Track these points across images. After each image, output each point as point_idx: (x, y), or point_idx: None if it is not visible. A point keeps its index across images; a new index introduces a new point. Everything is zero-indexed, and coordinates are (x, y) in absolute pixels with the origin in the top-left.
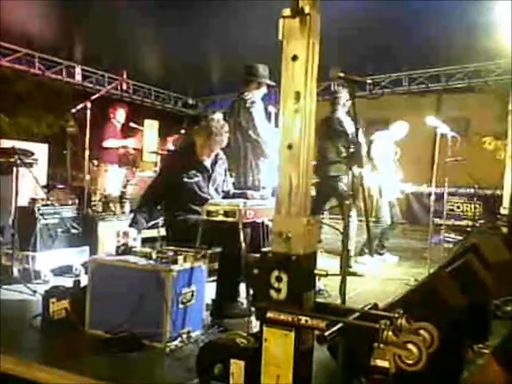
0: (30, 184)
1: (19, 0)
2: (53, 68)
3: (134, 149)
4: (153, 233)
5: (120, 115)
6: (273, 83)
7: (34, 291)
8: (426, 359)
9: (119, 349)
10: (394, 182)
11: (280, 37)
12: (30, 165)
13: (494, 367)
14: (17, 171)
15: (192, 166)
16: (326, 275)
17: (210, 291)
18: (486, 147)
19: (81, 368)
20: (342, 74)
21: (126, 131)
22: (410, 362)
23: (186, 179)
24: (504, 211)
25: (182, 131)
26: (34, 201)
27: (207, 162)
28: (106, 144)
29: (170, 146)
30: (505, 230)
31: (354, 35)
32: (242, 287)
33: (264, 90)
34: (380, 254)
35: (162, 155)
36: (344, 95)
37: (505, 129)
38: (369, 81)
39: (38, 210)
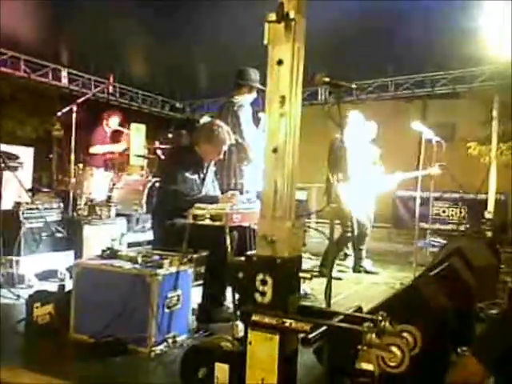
0: (14, 187)
1: (5, 1)
2: (38, 71)
3: (120, 154)
4: (139, 237)
5: (113, 122)
6: (264, 88)
7: (18, 296)
8: (410, 361)
9: (104, 353)
10: (369, 192)
11: (265, 41)
12: (15, 168)
13: (471, 362)
14: (1, 175)
15: (192, 164)
16: (311, 278)
17: (196, 295)
18: (471, 152)
19: (65, 373)
20: (327, 79)
21: (114, 136)
22: (393, 364)
23: (188, 174)
24: (488, 216)
25: (170, 135)
26: (18, 204)
27: (205, 165)
28: (92, 150)
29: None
30: (489, 234)
31: (340, 40)
32: (229, 291)
33: (254, 94)
34: (360, 267)
35: (150, 158)
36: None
37: (489, 134)
38: (354, 86)
39: (23, 213)
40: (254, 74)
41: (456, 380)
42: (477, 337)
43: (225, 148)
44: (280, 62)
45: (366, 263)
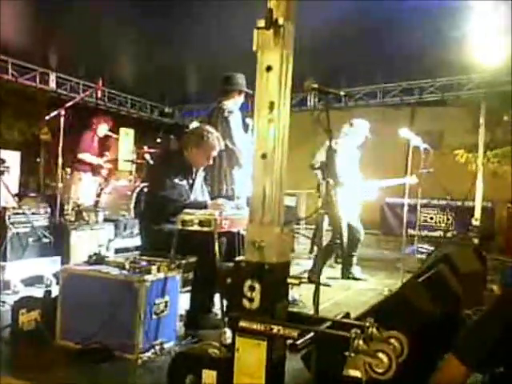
0: (0, 192)
1: None
2: (26, 74)
3: (108, 161)
4: (127, 242)
5: (102, 129)
6: (251, 91)
7: (3, 302)
8: (397, 368)
9: (90, 360)
10: (357, 197)
11: (254, 48)
12: (1, 173)
13: (454, 363)
14: None
15: (181, 170)
16: (299, 284)
17: (184, 302)
18: (458, 160)
19: (51, 380)
20: (315, 86)
21: (103, 142)
22: (381, 370)
23: (177, 180)
24: (475, 223)
25: (158, 140)
26: (4, 209)
27: (194, 170)
28: (81, 156)
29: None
30: (476, 241)
31: (329, 48)
32: (217, 298)
33: (242, 98)
34: (350, 274)
35: (138, 163)
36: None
37: (476, 142)
38: (342, 93)
39: (9, 218)
40: (241, 79)
41: (439, 381)
42: (458, 338)
43: (214, 154)
44: (269, 68)
45: (356, 270)
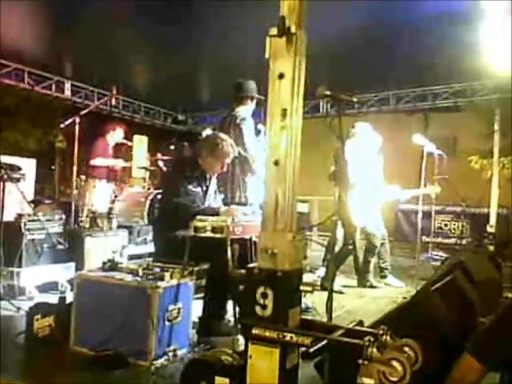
0: (16, 199)
1: (9, 13)
2: (42, 83)
3: (123, 167)
4: (140, 249)
5: (118, 135)
6: (262, 97)
7: (19, 308)
8: (412, 377)
9: (104, 367)
10: (374, 202)
11: (267, 55)
12: (17, 180)
13: (468, 360)
14: (3, 186)
15: (195, 177)
16: (312, 291)
17: (196, 308)
18: (473, 166)
19: None
20: (328, 92)
21: (117, 148)
22: (394, 379)
23: (191, 187)
24: (490, 230)
25: (172, 147)
26: (20, 216)
27: (208, 177)
28: (93, 162)
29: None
30: (491, 248)
31: (342, 54)
32: (230, 305)
33: (254, 105)
34: (367, 282)
35: (152, 170)
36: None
37: (491, 148)
38: (355, 99)
39: (25, 225)
40: (253, 85)
41: (454, 377)
42: (473, 335)
43: (228, 161)
44: (281, 76)
45: (390, 278)
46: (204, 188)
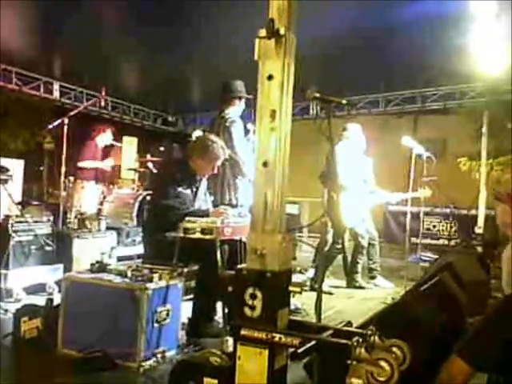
0: (4, 200)
1: None
2: (30, 83)
3: (112, 167)
4: (129, 250)
5: (106, 137)
6: (251, 96)
7: (6, 310)
8: (399, 377)
9: (92, 369)
10: (363, 203)
11: (256, 57)
12: (5, 181)
13: (456, 362)
14: None
15: (184, 178)
16: (301, 292)
17: (186, 310)
18: (461, 168)
19: None
20: (317, 95)
21: (106, 150)
22: (382, 379)
23: (180, 189)
24: (479, 231)
25: (162, 148)
26: (7, 217)
27: (198, 179)
28: (81, 165)
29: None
30: (479, 249)
31: (332, 56)
32: (219, 306)
33: (243, 104)
34: (355, 282)
35: (141, 172)
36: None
37: (479, 149)
38: (344, 101)
39: (12, 226)
40: (240, 85)
41: (442, 379)
42: (461, 337)
43: (219, 163)
44: (270, 77)
45: (379, 280)
46: (194, 190)
